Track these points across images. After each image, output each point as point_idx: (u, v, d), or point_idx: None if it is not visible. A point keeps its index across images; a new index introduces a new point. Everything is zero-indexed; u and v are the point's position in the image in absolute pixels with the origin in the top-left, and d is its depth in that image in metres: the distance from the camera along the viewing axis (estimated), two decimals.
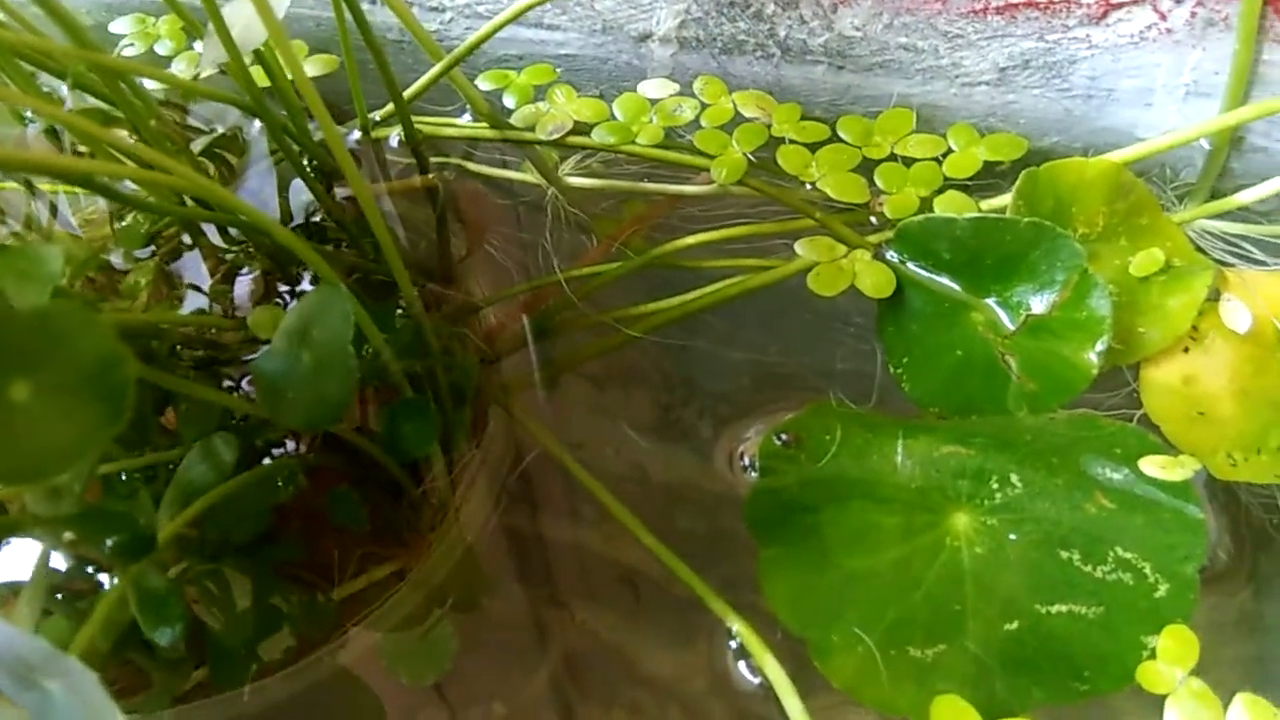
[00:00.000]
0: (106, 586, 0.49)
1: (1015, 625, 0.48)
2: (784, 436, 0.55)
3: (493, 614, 0.55)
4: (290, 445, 0.57)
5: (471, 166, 0.73)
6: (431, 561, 0.55)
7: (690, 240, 0.66)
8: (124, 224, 0.64)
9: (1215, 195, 0.64)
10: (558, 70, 0.76)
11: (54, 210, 0.66)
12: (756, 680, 0.49)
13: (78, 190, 0.68)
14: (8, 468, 0.31)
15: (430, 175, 0.72)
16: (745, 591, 0.51)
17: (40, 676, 0.32)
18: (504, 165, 0.73)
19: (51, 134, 0.65)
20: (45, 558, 0.42)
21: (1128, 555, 0.49)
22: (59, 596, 0.49)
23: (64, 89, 0.57)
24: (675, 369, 0.62)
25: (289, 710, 0.51)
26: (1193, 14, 0.61)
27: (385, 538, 0.56)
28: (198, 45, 0.78)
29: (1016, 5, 0.64)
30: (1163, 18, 0.62)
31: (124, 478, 0.50)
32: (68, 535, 0.39)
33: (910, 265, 0.61)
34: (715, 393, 0.61)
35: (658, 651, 0.52)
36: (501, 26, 0.66)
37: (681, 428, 0.60)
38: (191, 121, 0.76)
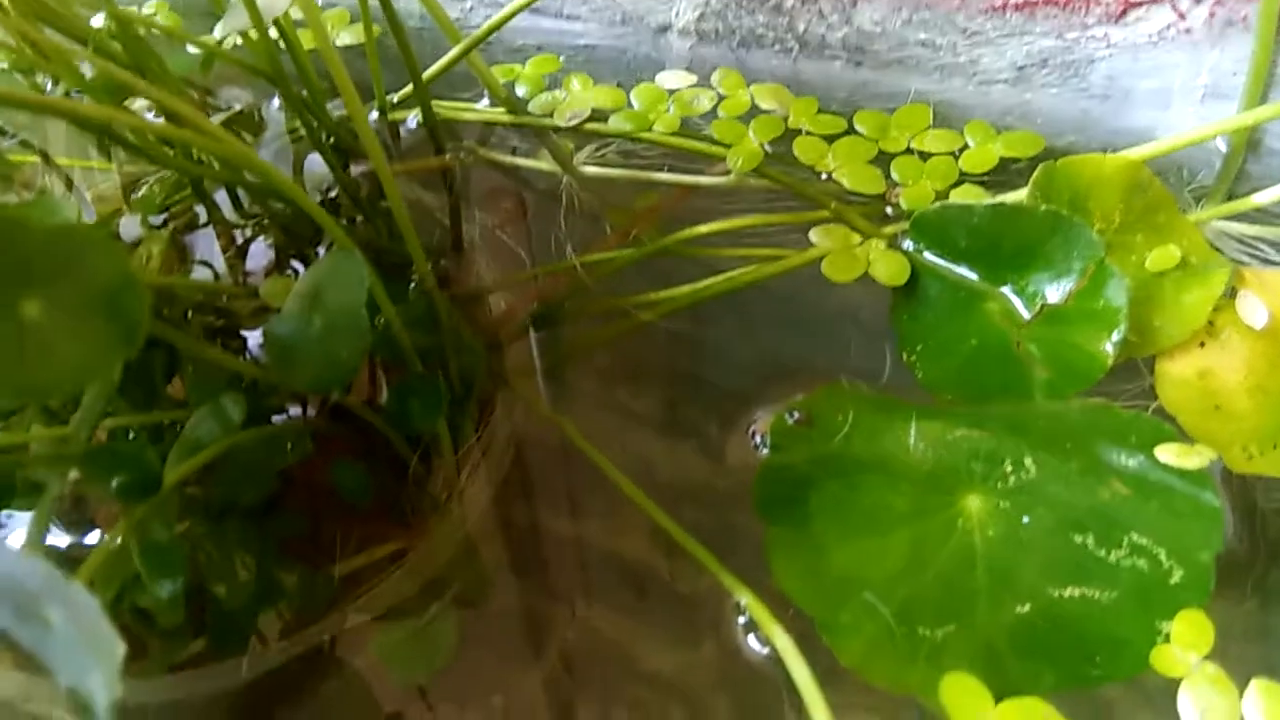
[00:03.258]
0: None
1: (1027, 608, 0.47)
2: (796, 415, 0.55)
3: (491, 607, 0.54)
4: (297, 413, 0.56)
5: (486, 152, 0.73)
6: (432, 544, 0.54)
7: (704, 229, 0.65)
8: (139, 195, 0.64)
9: (1232, 197, 0.64)
10: (577, 60, 0.76)
11: (69, 184, 0.66)
12: (765, 650, 0.48)
13: (92, 164, 0.68)
14: (17, 384, 0.30)
15: (446, 156, 0.72)
16: (754, 584, 0.50)
17: (40, 605, 0.32)
18: (517, 155, 0.73)
19: None
20: (46, 501, 0.42)
21: (1142, 541, 0.48)
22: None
23: (84, 65, 0.57)
24: (685, 361, 0.62)
25: (281, 690, 0.50)
26: (1211, 14, 0.61)
27: (387, 517, 0.55)
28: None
29: (1035, 3, 0.64)
30: (1181, 17, 0.62)
31: (131, 436, 0.49)
32: (73, 475, 0.39)
33: (926, 254, 0.61)
34: (724, 386, 0.60)
35: (661, 649, 0.51)
36: (518, 11, 0.66)
37: (690, 420, 0.59)
38: (211, 102, 0.76)
